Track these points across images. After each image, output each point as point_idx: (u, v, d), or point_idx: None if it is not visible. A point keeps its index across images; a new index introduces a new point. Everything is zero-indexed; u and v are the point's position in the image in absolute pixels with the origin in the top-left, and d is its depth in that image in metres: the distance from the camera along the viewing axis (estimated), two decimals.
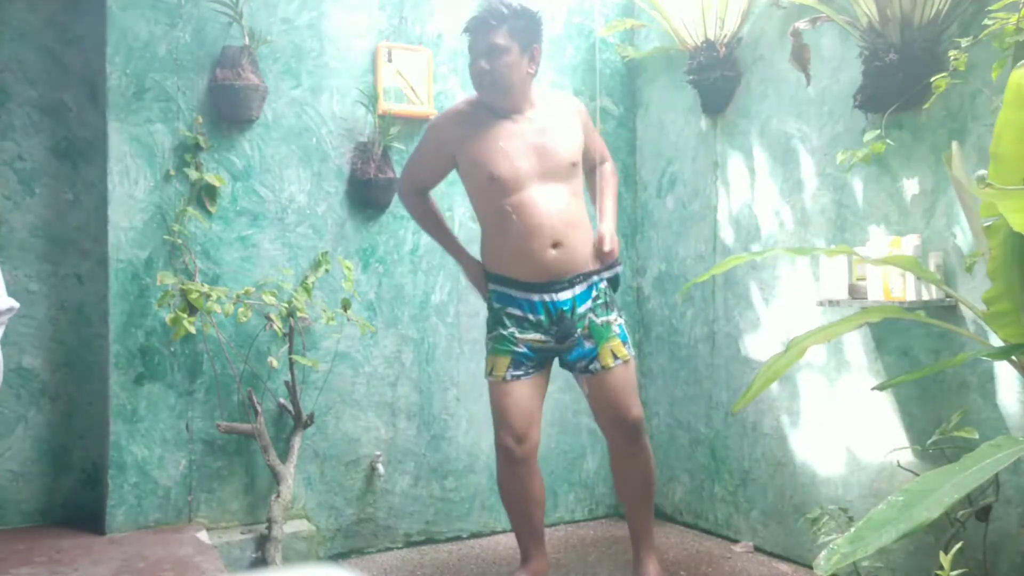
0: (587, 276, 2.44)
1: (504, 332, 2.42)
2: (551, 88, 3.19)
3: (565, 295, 2.39)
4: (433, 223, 2.61)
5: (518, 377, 2.42)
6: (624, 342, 2.45)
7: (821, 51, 2.62)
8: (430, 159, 2.51)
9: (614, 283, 2.52)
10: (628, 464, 2.49)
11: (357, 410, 2.95)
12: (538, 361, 2.45)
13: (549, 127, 2.41)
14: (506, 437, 2.42)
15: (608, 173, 2.63)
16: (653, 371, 3.40)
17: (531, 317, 2.40)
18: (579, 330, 2.41)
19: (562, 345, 2.41)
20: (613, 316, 2.45)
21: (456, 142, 2.42)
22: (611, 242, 2.44)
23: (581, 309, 2.41)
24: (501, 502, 2.56)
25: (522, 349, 2.41)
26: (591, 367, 2.42)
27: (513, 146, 2.36)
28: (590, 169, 2.60)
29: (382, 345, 2.99)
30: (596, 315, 2.41)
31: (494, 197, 2.37)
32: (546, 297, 2.39)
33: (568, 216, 2.39)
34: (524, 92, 2.40)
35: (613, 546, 2.93)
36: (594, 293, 2.43)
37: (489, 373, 2.47)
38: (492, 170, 2.35)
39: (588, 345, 2.41)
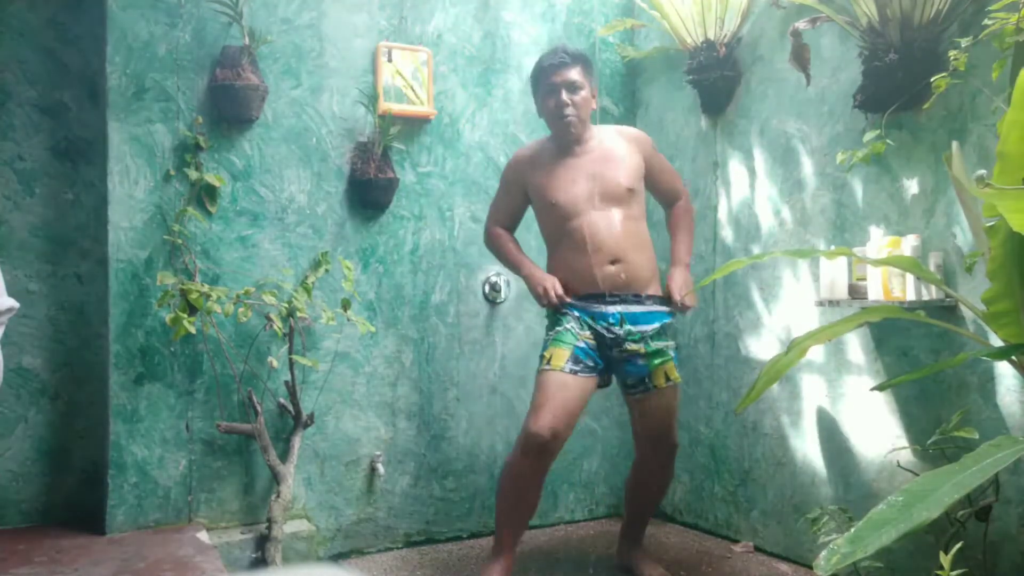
0: (648, 299, 2.55)
1: (567, 327, 2.52)
2: None
3: (614, 308, 2.51)
4: (503, 247, 2.73)
5: (575, 372, 2.47)
6: (676, 365, 2.58)
7: (821, 51, 2.62)
8: (504, 197, 2.73)
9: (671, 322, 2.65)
10: (654, 480, 2.66)
11: (357, 410, 2.95)
12: (593, 364, 2.51)
13: (607, 156, 2.59)
14: (544, 424, 2.38)
15: (680, 212, 2.73)
16: None
17: (587, 321, 2.53)
18: (632, 345, 2.49)
19: (611, 352, 2.52)
20: (669, 342, 2.58)
21: (525, 177, 2.65)
22: (683, 290, 2.55)
23: (638, 328, 2.50)
24: (499, 488, 2.51)
25: (582, 345, 2.49)
26: (642, 385, 2.53)
27: (572, 175, 2.56)
28: (666, 203, 2.76)
29: (382, 345, 2.99)
30: (652, 340, 2.52)
31: (557, 221, 2.57)
32: (595, 308, 2.52)
33: (626, 236, 2.53)
34: (588, 126, 2.60)
35: (613, 546, 2.93)
36: (659, 323, 2.54)
37: (546, 363, 2.48)
38: (552, 197, 2.57)
39: (640, 363, 2.51)
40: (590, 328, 2.51)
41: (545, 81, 2.56)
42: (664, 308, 2.56)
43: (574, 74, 2.53)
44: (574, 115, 2.53)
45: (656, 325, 2.53)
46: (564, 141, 2.59)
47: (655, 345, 2.51)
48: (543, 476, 2.47)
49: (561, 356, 2.47)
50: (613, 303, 2.51)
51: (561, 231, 2.57)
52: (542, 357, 2.53)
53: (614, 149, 2.59)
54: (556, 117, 2.55)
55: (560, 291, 2.53)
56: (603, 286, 2.51)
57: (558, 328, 2.53)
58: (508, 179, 2.71)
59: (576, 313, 2.53)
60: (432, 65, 3.04)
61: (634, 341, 2.50)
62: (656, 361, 2.51)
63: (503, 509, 2.51)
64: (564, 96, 2.52)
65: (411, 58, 3.00)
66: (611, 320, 2.50)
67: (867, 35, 2.37)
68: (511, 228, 2.76)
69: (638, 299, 2.53)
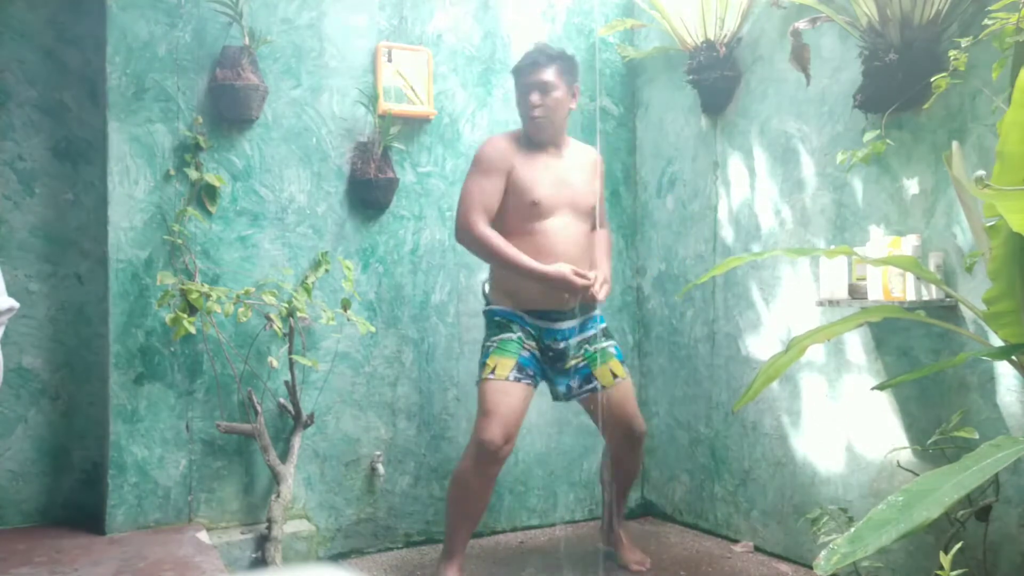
0: (587, 309, 2.62)
1: (512, 336, 2.57)
2: None
3: (566, 324, 2.60)
4: (504, 251, 2.49)
5: (519, 380, 2.52)
6: (621, 361, 2.65)
7: (821, 51, 2.62)
8: (486, 184, 2.53)
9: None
10: (629, 464, 2.76)
11: (357, 410, 2.95)
12: (532, 373, 2.57)
13: (577, 168, 2.64)
14: (496, 433, 2.43)
15: (603, 235, 2.74)
16: (653, 371, 3.39)
17: (531, 330, 2.61)
18: (575, 358, 2.60)
19: (554, 365, 2.60)
20: (610, 342, 2.66)
21: (508, 163, 2.56)
22: (605, 285, 2.56)
23: (575, 340, 2.59)
24: (450, 496, 2.55)
25: (526, 355, 2.56)
26: (589, 386, 2.60)
27: (552, 176, 2.59)
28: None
29: (382, 345, 2.99)
30: (591, 344, 2.60)
31: (529, 220, 2.55)
32: (544, 324, 2.60)
33: (584, 252, 2.60)
34: (563, 129, 2.63)
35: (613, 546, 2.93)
36: (595, 330, 2.60)
37: (491, 372, 2.51)
38: (535, 195, 2.55)
39: (583, 368, 2.60)
40: (535, 340, 2.60)
41: (520, 80, 2.61)
42: (599, 311, 2.65)
43: (548, 75, 2.55)
44: (543, 116, 2.56)
45: (593, 331, 2.61)
46: (536, 140, 2.61)
47: (594, 347, 2.59)
48: (493, 483, 2.54)
49: (506, 366, 2.50)
50: (564, 319, 2.59)
51: (525, 230, 2.55)
52: (485, 365, 2.54)
53: (582, 164, 2.69)
54: (526, 117, 2.59)
55: (578, 276, 2.46)
56: (552, 300, 2.53)
57: (503, 335, 2.56)
58: (492, 163, 2.53)
59: (527, 326, 2.59)
60: (432, 65, 3.04)
61: (577, 354, 2.60)
62: (600, 362, 2.58)
63: (454, 515, 2.54)
64: (534, 97, 2.55)
65: (411, 58, 3.00)
66: (558, 336, 2.59)
67: (867, 35, 2.37)
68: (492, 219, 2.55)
69: (584, 308, 2.60)
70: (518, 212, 2.56)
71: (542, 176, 2.57)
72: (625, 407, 2.64)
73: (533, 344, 2.58)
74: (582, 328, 2.63)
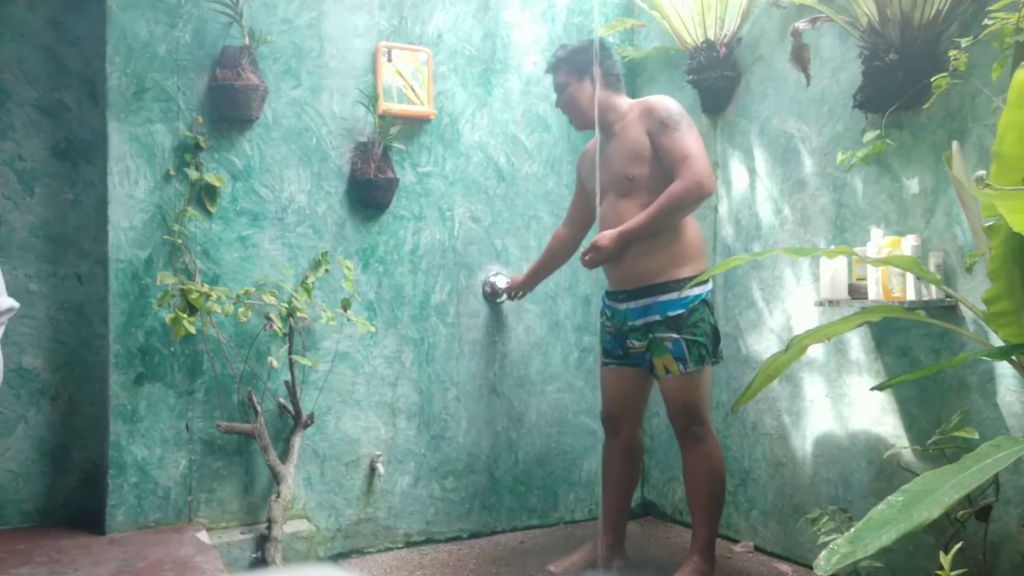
0: (654, 290, 2.53)
1: (601, 322, 2.77)
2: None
3: (623, 305, 2.62)
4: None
5: (607, 364, 2.73)
6: (677, 358, 2.50)
7: (821, 51, 2.62)
8: (576, 192, 2.91)
9: (693, 309, 2.50)
10: (684, 463, 2.61)
11: (357, 410, 2.95)
12: (622, 354, 2.66)
13: (622, 141, 2.60)
14: (602, 413, 2.78)
15: (667, 193, 2.43)
16: None
17: (608, 312, 2.72)
18: (635, 341, 2.58)
19: (624, 347, 2.64)
20: (670, 335, 2.50)
21: (581, 169, 2.84)
22: (591, 247, 2.56)
23: (638, 323, 2.56)
24: None
25: (608, 338, 2.70)
26: (654, 374, 2.60)
27: (601, 162, 2.66)
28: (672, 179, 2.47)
29: (382, 345, 2.99)
30: (652, 331, 2.54)
31: (592, 207, 2.71)
32: (610, 304, 2.69)
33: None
34: (602, 109, 2.63)
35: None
36: (659, 316, 2.52)
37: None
38: (585, 184, 2.78)
39: (646, 355, 2.58)
40: (611, 319, 2.68)
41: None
42: (673, 296, 2.47)
43: (560, 77, 2.69)
44: (567, 113, 2.73)
45: (657, 317, 2.52)
46: (584, 131, 2.79)
47: (653, 335, 2.53)
48: (619, 455, 2.74)
49: (600, 352, 2.78)
50: (623, 300, 2.61)
51: (594, 219, 2.72)
52: None
53: (628, 130, 2.57)
54: None
55: (511, 292, 3.06)
56: (616, 282, 2.64)
57: (600, 321, 2.78)
58: (577, 174, 2.87)
59: (605, 308, 2.73)
60: (432, 65, 3.04)
61: (636, 339, 2.57)
62: (655, 354, 2.53)
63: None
64: (557, 100, 2.74)
65: (411, 58, 3.00)
66: (616, 319, 2.64)
67: (867, 35, 2.37)
68: (579, 223, 2.89)
69: (648, 291, 2.53)
70: (590, 205, 2.74)
71: (592, 165, 2.70)
72: (672, 403, 2.55)
73: (611, 326, 2.67)
74: (645, 312, 2.53)
